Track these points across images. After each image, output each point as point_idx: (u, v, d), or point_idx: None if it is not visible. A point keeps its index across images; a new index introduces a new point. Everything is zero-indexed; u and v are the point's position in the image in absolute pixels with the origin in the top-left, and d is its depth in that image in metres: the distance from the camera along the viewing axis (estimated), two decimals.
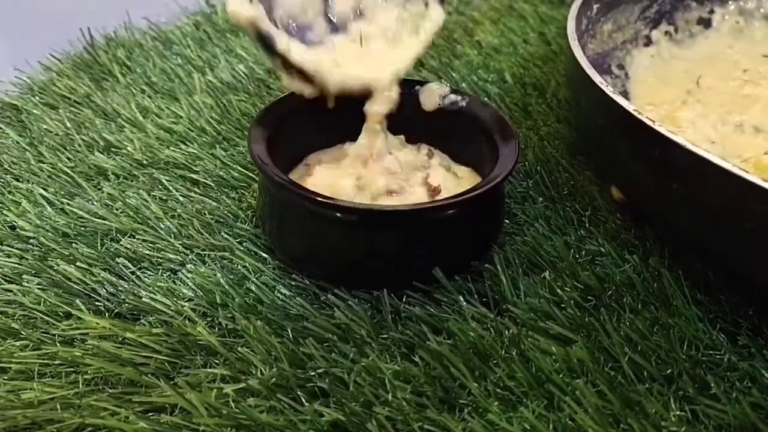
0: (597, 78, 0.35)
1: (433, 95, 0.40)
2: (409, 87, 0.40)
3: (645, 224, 0.38)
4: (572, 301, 0.33)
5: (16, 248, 0.37)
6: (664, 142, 0.30)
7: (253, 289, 0.34)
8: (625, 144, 0.35)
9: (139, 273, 0.35)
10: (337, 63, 0.36)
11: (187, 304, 0.33)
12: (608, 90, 0.34)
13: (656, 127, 0.31)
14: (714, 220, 0.31)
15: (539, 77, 0.53)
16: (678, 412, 0.29)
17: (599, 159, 0.42)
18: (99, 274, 0.35)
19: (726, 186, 0.29)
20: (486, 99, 0.50)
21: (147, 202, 0.40)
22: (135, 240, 0.37)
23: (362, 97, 0.37)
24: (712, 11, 0.51)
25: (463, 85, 0.52)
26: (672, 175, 0.32)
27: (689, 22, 0.51)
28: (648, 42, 0.50)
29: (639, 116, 0.32)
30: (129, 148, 0.45)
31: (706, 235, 0.33)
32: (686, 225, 0.34)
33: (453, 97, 0.39)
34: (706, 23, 0.51)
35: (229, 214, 0.39)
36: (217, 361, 0.31)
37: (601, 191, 0.41)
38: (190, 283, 0.34)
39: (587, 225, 0.38)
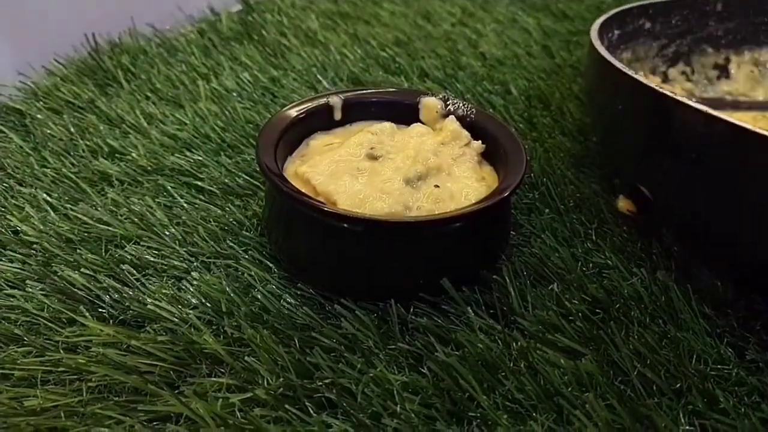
0: (618, 64, 0.36)
1: (430, 110, 0.41)
2: (415, 96, 0.41)
3: (652, 237, 0.38)
4: (580, 314, 0.33)
5: (20, 253, 0.36)
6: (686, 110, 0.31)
7: (259, 297, 0.34)
8: (648, 123, 0.36)
9: (143, 280, 0.35)
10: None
11: (192, 311, 0.33)
12: (631, 72, 0.35)
13: (678, 97, 0.31)
14: (730, 187, 0.31)
15: (544, 90, 0.54)
16: (687, 427, 0.29)
17: (619, 153, 0.42)
18: (103, 280, 0.34)
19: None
20: (491, 110, 0.50)
21: (152, 208, 0.39)
22: (140, 246, 0.37)
23: None
24: (728, 59, 0.53)
25: (468, 96, 0.52)
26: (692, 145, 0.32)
27: (705, 66, 0.53)
28: (665, 79, 0.51)
29: (661, 90, 0.32)
30: (133, 155, 0.44)
31: (723, 210, 0.33)
32: (705, 206, 0.34)
33: (450, 109, 0.40)
34: (722, 69, 0.53)
35: (234, 222, 0.39)
36: (222, 370, 0.31)
37: (607, 204, 0.41)
38: (195, 291, 0.34)
39: (594, 237, 0.38)
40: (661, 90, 0.33)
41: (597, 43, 0.39)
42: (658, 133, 0.35)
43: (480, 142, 0.39)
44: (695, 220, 0.36)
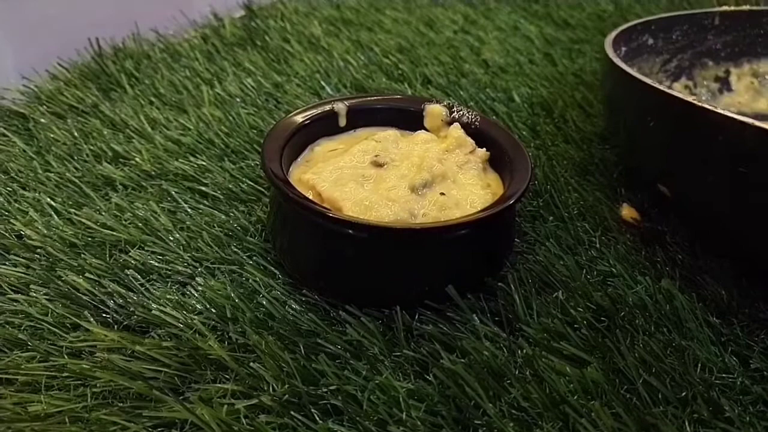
0: (650, 81, 0.36)
1: (434, 117, 0.41)
2: (419, 103, 0.41)
3: (656, 245, 0.38)
4: (585, 322, 0.33)
5: (23, 258, 0.36)
6: (731, 124, 0.31)
7: (264, 303, 0.34)
8: (675, 129, 0.35)
9: (148, 285, 0.35)
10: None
11: (197, 317, 0.33)
12: (665, 88, 0.35)
13: (721, 111, 0.31)
14: None
15: (546, 97, 0.54)
16: None
17: (642, 157, 0.42)
18: (108, 285, 0.34)
19: None
20: (494, 118, 0.50)
21: (156, 213, 0.39)
22: (144, 251, 0.37)
23: None
24: (728, 71, 0.54)
25: (471, 103, 0.53)
26: (739, 157, 0.32)
27: (707, 79, 0.53)
28: None
29: (702, 104, 0.32)
30: (137, 159, 0.44)
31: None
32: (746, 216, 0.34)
33: (455, 116, 0.40)
34: (723, 82, 0.54)
35: (239, 228, 0.39)
36: (227, 377, 0.30)
37: (611, 212, 0.41)
38: (199, 297, 0.34)
39: (598, 245, 0.38)
40: (688, 99, 0.33)
41: (615, 58, 0.40)
42: (684, 137, 0.35)
43: (485, 149, 0.39)
44: (716, 216, 0.36)
